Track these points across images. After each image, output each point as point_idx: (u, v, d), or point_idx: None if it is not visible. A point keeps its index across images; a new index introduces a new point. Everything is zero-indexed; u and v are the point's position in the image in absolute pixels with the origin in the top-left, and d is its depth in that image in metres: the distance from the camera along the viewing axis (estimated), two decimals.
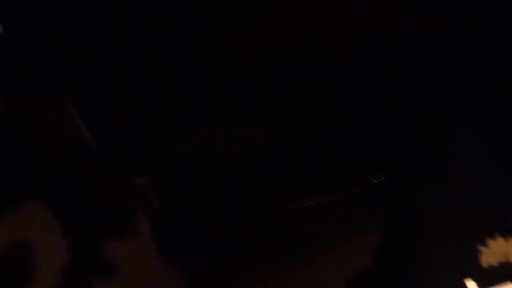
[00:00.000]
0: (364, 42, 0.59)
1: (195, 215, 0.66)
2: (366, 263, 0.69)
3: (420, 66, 0.64)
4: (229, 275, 0.67)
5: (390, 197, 0.70)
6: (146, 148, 0.66)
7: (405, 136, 0.66)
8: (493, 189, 0.72)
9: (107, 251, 0.67)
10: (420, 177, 0.68)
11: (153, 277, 0.67)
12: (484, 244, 0.70)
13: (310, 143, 0.64)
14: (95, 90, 0.63)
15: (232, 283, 0.68)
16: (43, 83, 0.64)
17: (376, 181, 0.65)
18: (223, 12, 0.58)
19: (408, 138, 0.66)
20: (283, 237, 0.65)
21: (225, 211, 0.65)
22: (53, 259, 0.66)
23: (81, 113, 0.65)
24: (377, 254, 0.69)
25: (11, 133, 0.66)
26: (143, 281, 0.67)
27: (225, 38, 0.59)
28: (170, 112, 0.65)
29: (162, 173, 0.67)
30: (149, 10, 0.58)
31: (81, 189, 0.68)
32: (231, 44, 0.60)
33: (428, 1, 0.62)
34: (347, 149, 0.64)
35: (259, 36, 0.59)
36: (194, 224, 0.67)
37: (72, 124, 0.66)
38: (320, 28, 0.58)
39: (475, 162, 0.72)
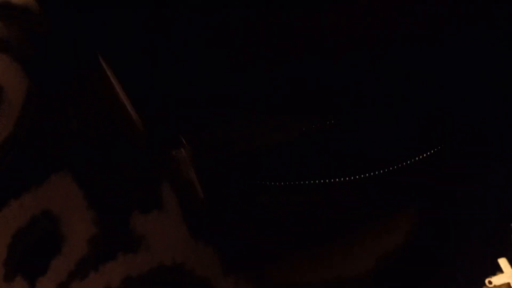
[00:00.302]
0: None
1: (232, 192, 0.66)
2: (397, 244, 0.67)
3: None
4: (259, 252, 0.66)
5: (429, 179, 0.67)
6: (190, 121, 0.65)
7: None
8: None
9: (134, 225, 0.67)
10: (463, 161, 0.65)
11: (178, 252, 0.67)
12: None
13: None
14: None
15: (263, 260, 0.67)
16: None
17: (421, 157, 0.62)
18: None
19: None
20: (316, 215, 0.63)
21: (261, 189, 0.64)
22: (78, 231, 0.66)
23: (124, 85, 0.65)
24: (409, 235, 0.67)
25: (44, 109, 0.66)
26: (168, 255, 0.67)
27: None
28: (211, 96, 0.63)
29: (201, 148, 0.66)
30: None
31: (108, 162, 0.68)
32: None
33: None
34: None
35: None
36: (229, 201, 0.66)
37: (111, 96, 0.66)
38: None
39: None
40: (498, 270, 0.65)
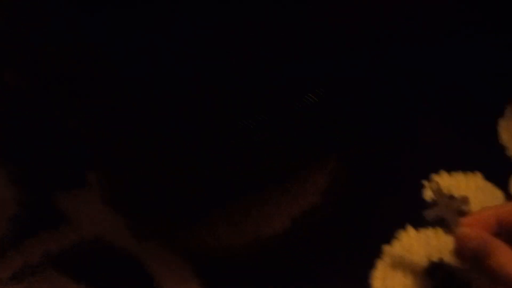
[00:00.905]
0: None
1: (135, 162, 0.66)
2: (313, 203, 0.70)
3: None
4: (175, 221, 0.67)
5: (340, 139, 0.70)
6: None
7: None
8: (435, 124, 0.73)
9: (55, 202, 0.68)
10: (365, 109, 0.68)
11: (99, 226, 0.68)
12: (429, 180, 0.71)
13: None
14: None
15: (178, 229, 0.68)
16: None
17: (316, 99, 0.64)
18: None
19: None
20: (228, 176, 0.65)
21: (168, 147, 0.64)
22: None
23: None
24: (324, 195, 0.70)
25: None
26: (91, 231, 0.68)
27: None
28: None
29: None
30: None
31: (29, 139, 0.68)
32: None
33: None
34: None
35: None
36: (136, 171, 0.67)
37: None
38: None
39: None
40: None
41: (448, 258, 0.67)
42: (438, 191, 0.63)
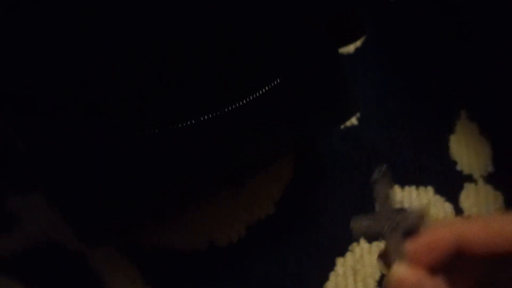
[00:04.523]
0: None
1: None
2: (267, 212, 0.70)
3: None
4: (125, 224, 0.66)
5: (295, 147, 0.71)
6: None
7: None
8: (390, 139, 0.74)
9: (8, 207, 0.67)
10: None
11: (53, 230, 0.67)
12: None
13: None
14: None
15: (128, 231, 0.68)
16: None
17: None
18: None
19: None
20: (181, 180, 0.64)
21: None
22: None
23: None
24: (278, 204, 0.70)
25: None
26: (43, 235, 0.67)
27: None
28: None
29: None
30: None
31: None
32: None
33: None
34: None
35: None
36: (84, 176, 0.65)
37: None
38: None
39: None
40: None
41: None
42: (382, 196, 0.48)
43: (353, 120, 0.73)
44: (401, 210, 0.48)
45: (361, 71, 0.75)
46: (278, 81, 0.60)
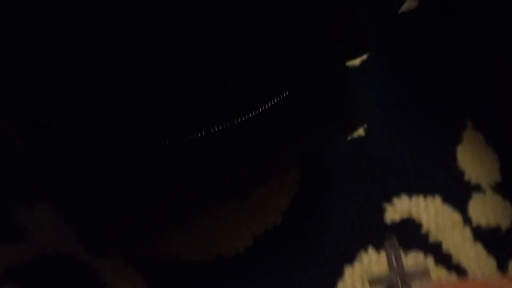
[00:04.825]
0: None
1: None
2: (274, 222, 0.70)
3: None
4: (132, 235, 0.67)
5: (299, 155, 0.71)
6: None
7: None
8: (397, 149, 0.74)
9: (17, 218, 0.67)
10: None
11: (61, 241, 0.67)
12: (389, 202, 0.72)
13: None
14: None
15: (136, 242, 0.68)
16: None
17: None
18: None
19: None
20: (189, 192, 0.64)
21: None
22: None
23: None
24: (285, 214, 0.70)
25: None
26: (51, 245, 0.67)
27: None
28: None
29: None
30: None
31: None
32: None
33: None
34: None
35: None
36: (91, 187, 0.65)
37: None
38: None
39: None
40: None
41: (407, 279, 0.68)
42: (392, 260, 0.55)
43: (360, 131, 0.73)
44: (410, 272, 0.54)
45: (367, 83, 0.75)
46: (287, 93, 0.61)
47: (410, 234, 0.71)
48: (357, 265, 0.70)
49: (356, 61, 0.74)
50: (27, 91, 0.56)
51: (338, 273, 0.70)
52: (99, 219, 0.62)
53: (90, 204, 0.61)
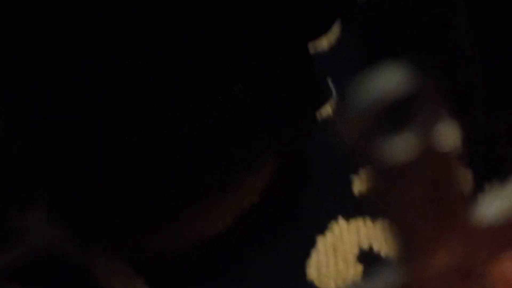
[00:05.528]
0: None
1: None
2: (252, 202, 0.74)
3: None
4: (117, 227, 0.70)
5: (276, 140, 0.74)
6: None
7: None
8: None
9: (10, 221, 0.69)
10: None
11: (54, 242, 0.70)
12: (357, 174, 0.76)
13: None
14: None
15: (121, 234, 0.71)
16: None
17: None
18: None
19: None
20: (168, 180, 0.67)
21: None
22: None
23: None
24: (263, 194, 0.74)
25: None
26: (44, 246, 0.70)
27: None
28: None
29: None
30: None
31: None
32: None
33: None
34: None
35: None
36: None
37: None
38: None
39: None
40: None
41: (376, 245, 0.74)
42: None
43: (328, 110, 0.76)
44: None
45: (335, 67, 0.77)
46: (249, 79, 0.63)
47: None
48: (329, 235, 0.75)
49: (324, 45, 0.75)
50: (23, 89, 0.57)
51: (311, 243, 0.75)
52: (89, 212, 0.65)
53: (80, 196, 0.64)
